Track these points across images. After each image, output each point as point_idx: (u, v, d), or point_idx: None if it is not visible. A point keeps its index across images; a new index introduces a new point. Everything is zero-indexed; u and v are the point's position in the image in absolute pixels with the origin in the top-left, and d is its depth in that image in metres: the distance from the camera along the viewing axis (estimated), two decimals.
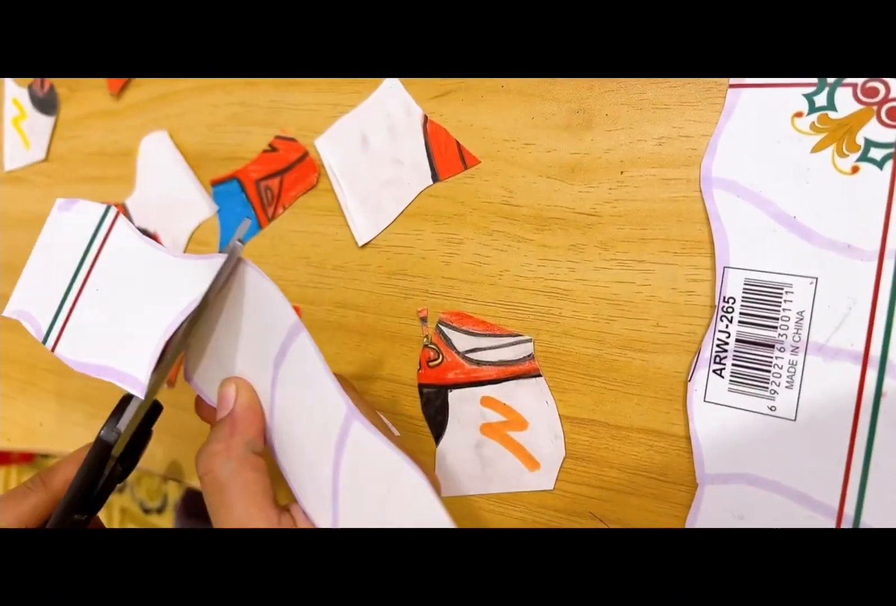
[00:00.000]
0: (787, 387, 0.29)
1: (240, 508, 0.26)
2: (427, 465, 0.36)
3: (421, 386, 0.37)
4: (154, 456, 0.49)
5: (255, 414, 0.29)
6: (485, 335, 0.35)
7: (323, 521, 0.27)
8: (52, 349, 0.31)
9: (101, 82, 0.51)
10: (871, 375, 0.28)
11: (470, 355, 0.36)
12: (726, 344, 0.30)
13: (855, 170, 0.28)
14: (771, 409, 0.29)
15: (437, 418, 0.37)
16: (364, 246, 0.39)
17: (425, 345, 0.37)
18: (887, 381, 0.27)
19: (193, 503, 0.87)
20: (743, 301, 0.30)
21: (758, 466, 0.30)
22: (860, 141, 0.28)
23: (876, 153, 0.28)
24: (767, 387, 0.29)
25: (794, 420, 0.29)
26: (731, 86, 0.30)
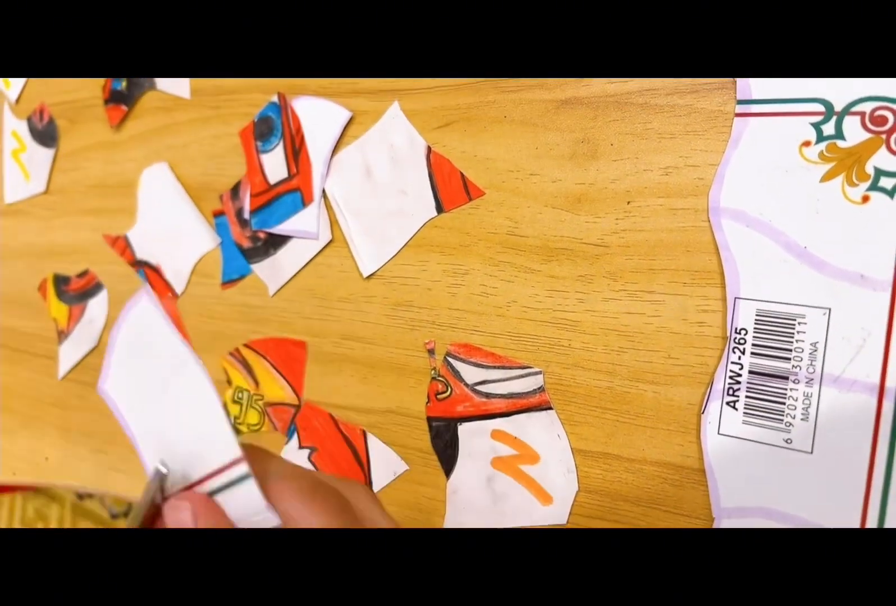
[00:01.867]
0: (802, 419, 0.29)
1: None
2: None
3: (430, 420, 0.37)
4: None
5: None
6: (494, 367, 0.35)
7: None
8: None
9: (100, 113, 0.50)
10: (888, 406, 0.27)
11: (479, 387, 0.35)
12: (739, 375, 0.30)
13: (865, 199, 0.28)
14: (787, 442, 0.29)
15: (447, 451, 0.36)
16: (369, 277, 0.39)
17: (433, 378, 0.37)
18: None
19: None
20: (755, 332, 0.29)
21: (774, 499, 0.29)
22: (870, 170, 0.28)
23: (886, 182, 0.27)
24: (782, 420, 0.29)
25: (811, 452, 0.28)
26: (738, 114, 0.30)
